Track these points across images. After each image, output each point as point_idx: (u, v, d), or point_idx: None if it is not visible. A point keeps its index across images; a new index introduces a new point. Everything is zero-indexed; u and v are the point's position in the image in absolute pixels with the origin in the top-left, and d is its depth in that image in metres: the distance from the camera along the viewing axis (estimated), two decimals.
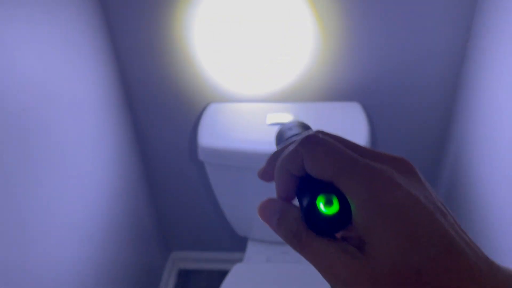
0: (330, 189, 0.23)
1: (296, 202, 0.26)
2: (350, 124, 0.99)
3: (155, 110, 1.14)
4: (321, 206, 0.23)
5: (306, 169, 0.24)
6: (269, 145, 0.94)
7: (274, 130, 0.97)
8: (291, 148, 0.25)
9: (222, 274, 1.50)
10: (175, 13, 0.97)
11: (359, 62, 1.01)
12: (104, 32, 0.99)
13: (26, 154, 0.72)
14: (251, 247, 1.18)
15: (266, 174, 0.28)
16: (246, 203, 1.07)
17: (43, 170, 0.76)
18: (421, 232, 0.21)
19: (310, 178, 0.24)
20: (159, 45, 1.02)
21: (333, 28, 0.96)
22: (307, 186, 0.25)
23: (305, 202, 0.24)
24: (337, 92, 1.06)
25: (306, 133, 0.25)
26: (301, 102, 1.08)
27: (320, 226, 0.23)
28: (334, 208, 0.23)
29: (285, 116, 1.01)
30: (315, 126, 0.93)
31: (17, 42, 0.69)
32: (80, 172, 0.90)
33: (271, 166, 0.27)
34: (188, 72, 1.06)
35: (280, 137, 0.34)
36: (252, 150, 0.94)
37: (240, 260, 1.19)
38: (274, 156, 0.27)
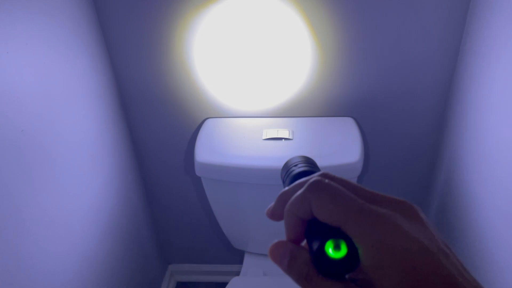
0: (338, 234, 0.24)
1: (305, 242, 0.28)
2: (344, 139, 1.01)
3: (152, 124, 1.16)
4: (330, 251, 0.25)
5: (314, 214, 0.25)
6: (265, 161, 0.96)
7: (270, 146, 0.99)
8: (298, 193, 0.26)
9: (220, 286, 1.51)
10: (173, 30, 0.99)
11: (353, 79, 1.03)
12: (102, 50, 1.01)
13: (24, 180, 0.73)
14: (247, 260, 1.19)
15: (275, 214, 0.29)
16: (242, 217, 1.08)
17: (41, 188, 0.78)
18: (425, 275, 0.22)
19: (318, 220, 0.26)
20: (157, 60, 1.04)
21: (329, 47, 0.98)
22: (315, 230, 0.26)
23: (314, 246, 0.25)
24: (332, 108, 1.08)
25: (312, 177, 0.26)
26: (296, 117, 1.10)
27: (329, 269, 0.25)
28: (342, 252, 0.24)
29: (281, 131, 1.03)
30: (310, 141, 0.95)
31: (15, 62, 0.70)
32: (77, 188, 0.91)
33: (279, 206, 0.28)
34: (185, 87, 1.07)
35: (286, 174, 0.35)
36: (249, 166, 0.95)
37: (237, 272, 1.20)
38: (282, 197, 0.28)
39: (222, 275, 1.51)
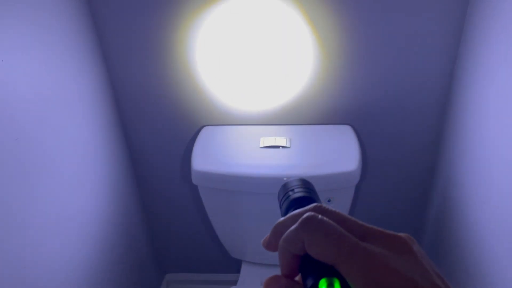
0: (331, 272, 0.24)
1: (299, 277, 0.28)
2: (342, 147, 1.01)
3: (149, 131, 1.15)
4: None
5: (307, 251, 0.26)
6: (263, 169, 0.96)
7: (268, 154, 0.99)
8: (292, 229, 0.26)
9: None
10: (171, 36, 0.99)
11: (351, 87, 1.03)
12: (98, 56, 1.00)
13: (18, 188, 0.72)
14: (245, 270, 1.18)
15: (270, 245, 0.29)
16: (239, 226, 1.07)
17: (35, 196, 0.77)
18: None
19: (312, 257, 0.26)
20: (154, 67, 1.03)
21: (328, 54, 0.98)
22: (309, 266, 0.26)
23: (308, 284, 0.25)
24: (330, 115, 1.08)
25: (306, 213, 0.26)
26: (294, 124, 1.09)
27: None
28: None
29: (278, 139, 1.02)
30: (308, 149, 0.94)
31: (9, 69, 0.70)
32: (72, 196, 0.90)
33: (274, 238, 0.28)
34: (183, 94, 1.07)
35: (283, 198, 0.35)
36: (246, 174, 0.95)
37: (234, 281, 1.18)
38: (277, 228, 0.28)
39: (219, 284, 1.49)
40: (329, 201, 0.99)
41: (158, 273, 1.47)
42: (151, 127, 1.14)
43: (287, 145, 1.01)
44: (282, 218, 0.29)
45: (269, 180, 0.95)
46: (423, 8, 0.91)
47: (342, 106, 1.06)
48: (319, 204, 0.27)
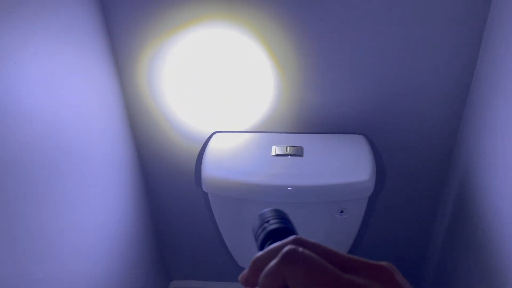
0: None
1: None
2: (355, 157, 0.99)
3: (160, 137, 1.14)
4: None
5: (290, 287, 0.24)
6: (274, 178, 0.94)
7: (279, 163, 0.97)
8: (272, 265, 0.25)
9: None
10: (182, 43, 0.98)
11: (365, 96, 1.01)
12: (110, 61, 1.00)
13: (28, 194, 0.71)
14: None
15: (249, 281, 0.28)
16: (248, 235, 1.05)
17: (47, 198, 0.76)
18: None
19: None
20: (165, 74, 1.03)
21: (343, 62, 0.97)
22: None
23: None
24: (343, 125, 1.06)
25: (286, 246, 0.25)
26: (307, 133, 1.08)
27: None
28: None
29: (290, 148, 1.01)
30: (320, 159, 0.92)
31: (22, 72, 0.69)
32: (82, 202, 0.89)
33: (253, 274, 0.27)
34: (193, 100, 1.06)
35: (259, 230, 0.34)
36: (256, 183, 0.93)
37: None
38: (256, 264, 0.27)
39: None
40: (341, 212, 0.97)
41: (164, 280, 1.46)
42: (162, 132, 1.13)
43: (299, 154, 0.99)
44: (260, 253, 0.27)
45: (280, 189, 0.93)
46: (441, 16, 0.89)
47: (355, 116, 1.05)
48: (298, 236, 0.26)
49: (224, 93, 1.04)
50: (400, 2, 0.88)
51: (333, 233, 1.03)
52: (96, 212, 0.95)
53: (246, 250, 1.12)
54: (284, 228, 0.33)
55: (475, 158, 0.95)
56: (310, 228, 1.01)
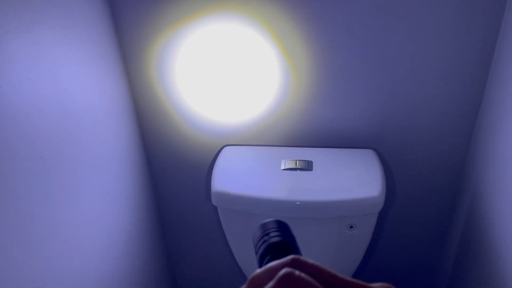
0: None
1: None
2: (365, 172, 0.98)
3: (170, 150, 1.15)
4: None
5: None
6: (283, 193, 0.94)
7: (289, 177, 0.97)
8: (268, 287, 0.25)
9: None
10: (193, 56, 0.99)
11: (376, 111, 1.01)
12: (123, 76, 1.02)
13: (41, 204, 0.72)
14: None
15: None
16: None
17: (60, 210, 0.77)
18: None
19: None
20: (175, 87, 1.04)
21: (354, 77, 0.97)
22: None
23: None
24: (353, 139, 1.06)
25: (283, 269, 0.25)
26: (316, 147, 1.08)
27: None
28: None
29: (300, 162, 1.01)
30: (330, 173, 0.92)
31: (37, 88, 0.71)
32: (93, 214, 0.90)
33: None
34: (203, 113, 1.07)
35: (259, 242, 0.33)
36: (266, 197, 0.93)
37: None
38: (253, 283, 0.27)
39: None
40: (351, 227, 0.96)
41: None
42: (172, 146, 1.14)
43: (309, 168, 0.99)
44: (257, 271, 0.27)
45: (288, 204, 0.93)
46: (453, 30, 0.89)
47: (365, 130, 1.04)
48: (296, 257, 0.26)
49: (233, 104, 1.05)
50: (413, 16, 0.88)
51: (342, 249, 1.02)
52: (105, 224, 0.96)
53: (255, 264, 1.11)
54: (285, 242, 0.32)
55: (487, 174, 0.94)
56: (319, 243, 1.01)
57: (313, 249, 1.01)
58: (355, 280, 0.25)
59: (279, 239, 0.32)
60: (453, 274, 1.16)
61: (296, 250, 0.32)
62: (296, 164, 1.00)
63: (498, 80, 0.89)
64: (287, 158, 1.03)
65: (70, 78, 0.80)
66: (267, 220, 0.34)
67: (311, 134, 1.07)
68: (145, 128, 1.12)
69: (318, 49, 0.94)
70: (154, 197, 1.24)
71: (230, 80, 1.01)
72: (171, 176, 1.20)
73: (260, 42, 0.94)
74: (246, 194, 0.95)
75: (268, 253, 0.31)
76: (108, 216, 0.97)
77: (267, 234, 0.33)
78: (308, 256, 0.27)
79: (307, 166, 1.00)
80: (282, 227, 0.33)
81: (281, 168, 1.00)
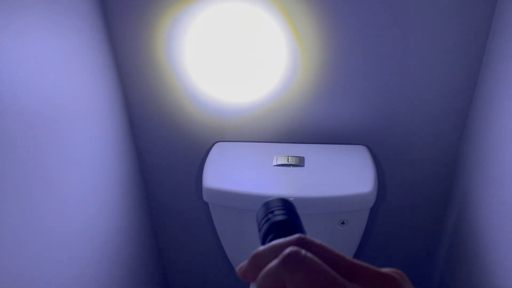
0: None
1: None
2: (357, 168, 0.98)
3: (161, 147, 1.14)
4: None
5: None
6: (275, 189, 0.94)
7: (281, 173, 0.97)
8: (272, 266, 0.24)
9: None
10: (184, 52, 0.98)
11: (367, 106, 1.01)
12: (113, 72, 1.00)
13: (25, 200, 0.71)
14: None
15: (246, 276, 0.27)
16: (249, 246, 1.04)
17: (47, 206, 0.75)
18: None
19: None
20: (167, 83, 1.03)
21: (346, 72, 0.97)
22: None
23: None
24: (345, 135, 1.06)
25: (288, 247, 0.24)
26: (308, 143, 1.07)
27: None
28: None
29: (292, 158, 1.00)
30: (322, 169, 0.91)
31: (24, 81, 0.70)
32: (82, 211, 0.89)
33: (251, 269, 0.26)
34: (195, 110, 1.06)
35: (262, 220, 0.32)
36: (257, 193, 0.93)
37: None
38: (256, 260, 0.26)
39: None
40: (343, 223, 0.96)
41: None
42: (163, 142, 1.13)
43: (301, 164, 0.99)
44: (261, 248, 0.26)
45: None
46: (446, 25, 0.89)
47: (357, 126, 1.04)
48: (303, 236, 0.25)
49: (226, 99, 1.04)
50: (407, 14, 0.88)
51: (334, 245, 1.01)
52: (93, 221, 0.95)
53: (246, 260, 1.11)
54: (290, 220, 0.31)
55: (477, 171, 0.95)
56: None
57: None
58: (362, 263, 0.24)
59: (284, 217, 0.31)
60: (445, 270, 1.17)
61: (301, 230, 0.31)
62: (288, 160, 1.00)
63: (488, 78, 0.90)
64: (279, 154, 1.02)
65: (58, 71, 0.79)
66: (272, 198, 0.33)
67: (303, 130, 1.06)
68: (136, 123, 1.10)
69: (310, 47, 0.94)
70: (145, 193, 1.23)
71: (224, 76, 1.00)
72: (162, 173, 1.19)
73: (252, 35, 0.94)
74: (238, 190, 0.94)
75: (271, 231, 0.30)
76: (98, 212, 0.95)
77: (271, 212, 0.31)
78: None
79: (299, 162, 1.00)
80: (287, 205, 0.32)
81: (273, 164, 1.00)
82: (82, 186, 0.88)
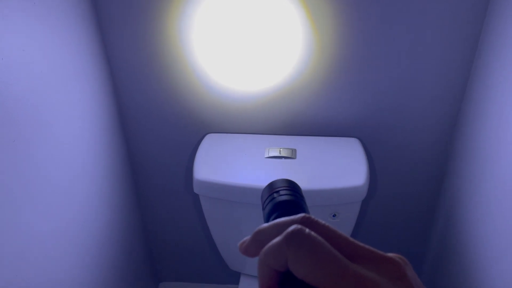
0: None
1: None
2: (349, 160, 0.98)
3: (151, 138, 1.12)
4: None
5: (290, 269, 0.23)
6: (266, 181, 0.92)
7: (272, 165, 0.96)
8: (275, 242, 0.24)
9: None
10: (172, 42, 0.96)
11: (360, 99, 1.00)
12: (102, 61, 0.98)
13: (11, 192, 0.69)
14: (243, 282, 1.15)
15: (248, 251, 0.27)
16: (240, 238, 1.03)
17: (33, 198, 0.74)
18: None
19: (294, 276, 0.23)
20: (157, 73, 1.01)
21: (339, 65, 0.96)
22: (291, 285, 0.24)
23: None
24: (337, 127, 1.05)
25: (292, 225, 0.24)
26: (300, 135, 1.06)
27: None
28: None
29: (284, 150, 0.99)
30: (314, 162, 0.91)
31: (9, 68, 0.67)
32: (70, 202, 0.87)
33: (254, 245, 0.26)
34: (186, 100, 1.04)
35: (267, 200, 0.32)
36: (248, 185, 0.92)
37: None
38: (258, 236, 0.26)
39: None
40: (334, 216, 0.95)
41: (153, 281, 1.44)
42: (153, 134, 1.11)
43: (293, 157, 0.98)
44: (265, 225, 0.26)
45: None
46: (438, 18, 0.88)
47: (349, 119, 1.04)
48: (307, 215, 0.25)
49: (217, 92, 1.02)
50: (399, 10, 0.87)
51: None
52: (85, 213, 0.93)
53: (237, 253, 1.11)
54: (294, 202, 0.30)
55: (469, 164, 0.95)
56: None
57: None
58: (366, 246, 0.24)
59: (289, 197, 0.31)
60: (436, 263, 1.18)
61: (305, 211, 0.30)
62: (279, 152, 0.99)
63: (481, 72, 0.89)
64: (271, 146, 1.01)
65: (45, 58, 0.76)
66: (278, 179, 0.33)
67: (295, 122, 1.05)
68: (126, 114, 1.08)
69: (306, 38, 0.92)
70: (135, 185, 1.22)
71: (216, 66, 0.98)
72: (152, 164, 1.17)
73: (251, 33, 0.92)
74: (229, 182, 0.93)
75: (276, 210, 0.30)
76: (86, 202, 0.94)
77: (277, 192, 0.31)
78: None
79: (291, 154, 0.99)
80: (293, 186, 0.32)
81: (265, 156, 0.99)
82: (69, 175, 0.87)
